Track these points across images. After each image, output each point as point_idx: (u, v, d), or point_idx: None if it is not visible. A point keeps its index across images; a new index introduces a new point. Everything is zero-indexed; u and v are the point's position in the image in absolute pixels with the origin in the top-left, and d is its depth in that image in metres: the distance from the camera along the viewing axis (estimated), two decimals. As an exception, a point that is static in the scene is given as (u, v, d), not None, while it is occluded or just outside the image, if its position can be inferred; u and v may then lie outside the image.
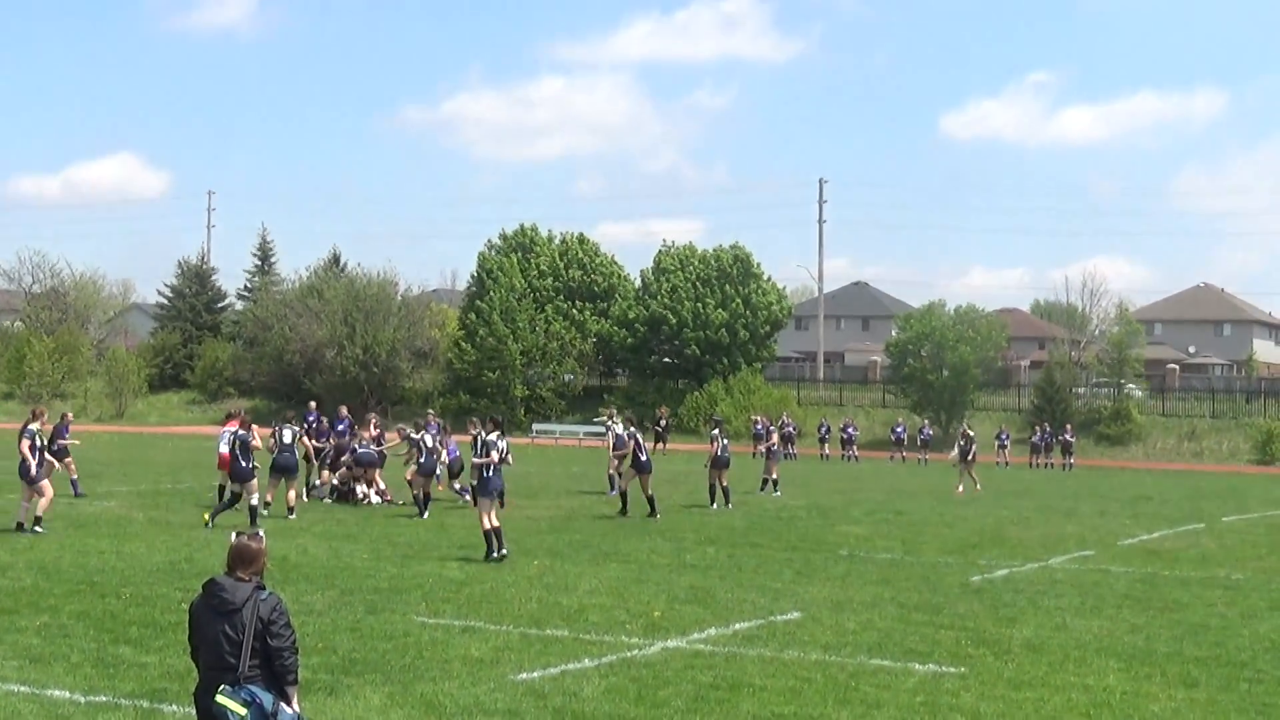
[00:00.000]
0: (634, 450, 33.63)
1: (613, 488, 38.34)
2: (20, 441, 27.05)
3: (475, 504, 25.51)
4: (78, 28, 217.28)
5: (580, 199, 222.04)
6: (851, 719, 13.17)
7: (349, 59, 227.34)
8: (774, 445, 43.93)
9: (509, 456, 25.24)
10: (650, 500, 33.34)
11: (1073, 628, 18.65)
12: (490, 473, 24.52)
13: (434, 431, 34.42)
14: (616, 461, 37.83)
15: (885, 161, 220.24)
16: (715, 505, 35.68)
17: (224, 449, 31.97)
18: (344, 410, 38.12)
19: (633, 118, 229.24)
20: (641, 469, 33.48)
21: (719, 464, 35.97)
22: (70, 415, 36.77)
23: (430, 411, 41.73)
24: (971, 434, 49.87)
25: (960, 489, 46.11)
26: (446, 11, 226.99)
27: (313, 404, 39.68)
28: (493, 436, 24.90)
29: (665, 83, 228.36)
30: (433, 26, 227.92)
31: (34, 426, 27.40)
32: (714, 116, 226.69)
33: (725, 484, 36.22)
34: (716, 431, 36.69)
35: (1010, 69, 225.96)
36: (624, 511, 33.41)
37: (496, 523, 24.08)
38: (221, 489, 32.58)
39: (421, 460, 32.73)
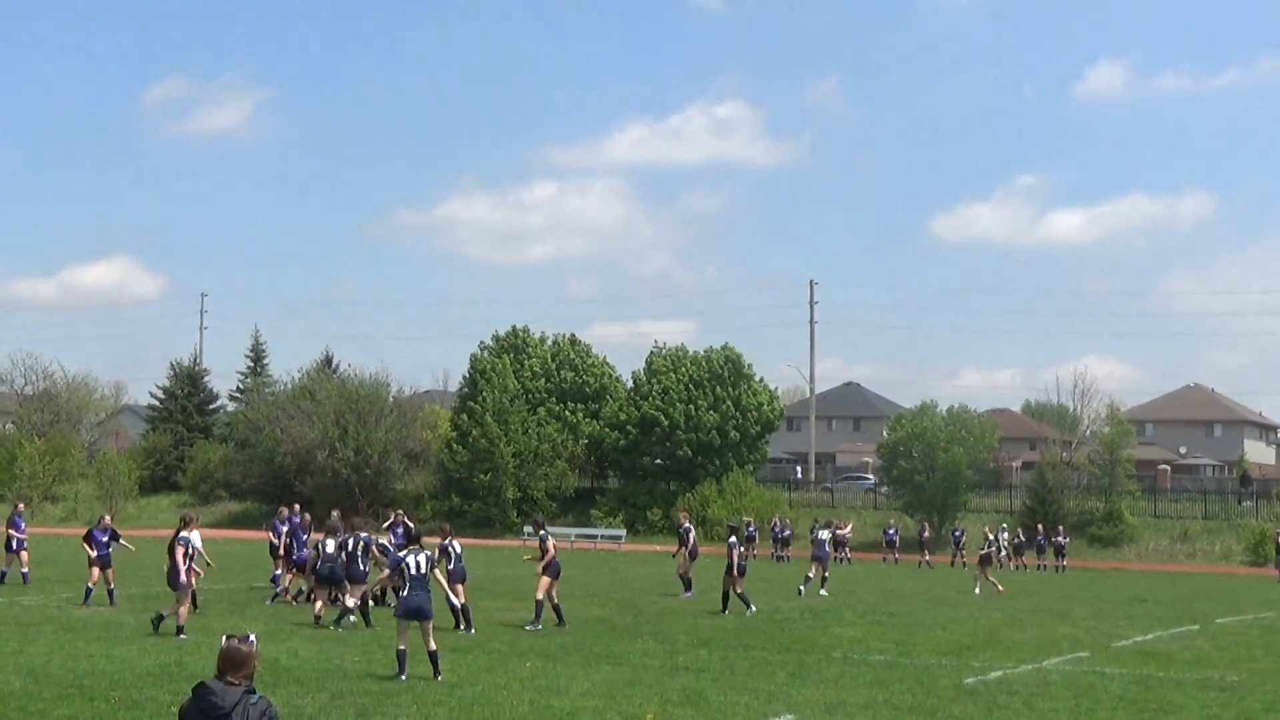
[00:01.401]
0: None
1: (687, 589, 40.38)
2: (174, 548, 27.51)
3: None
4: (76, 131, 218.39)
5: (572, 301, 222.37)
6: (845, 823, 13.09)
7: (343, 163, 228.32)
8: (822, 543, 45.45)
9: (430, 571, 22.40)
10: (742, 597, 35.35)
11: (1067, 730, 18.55)
12: (404, 591, 22.13)
13: (399, 532, 34.53)
14: (690, 562, 40.98)
15: (876, 263, 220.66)
16: (727, 612, 35.02)
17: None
18: (284, 512, 37.98)
19: (625, 221, 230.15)
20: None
21: (738, 572, 35.61)
22: (109, 518, 36.89)
23: (399, 511, 41.63)
24: (992, 537, 50.23)
25: (978, 590, 46.23)
26: (440, 116, 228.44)
27: (297, 506, 39.50)
28: (402, 553, 22.84)
29: (658, 186, 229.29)
30: (427, 131, 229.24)
31: (185, 534, 27.95)
32: (706, 219, 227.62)
33: (740, 590, 35.52)
34: (734, 540, 36.27)
35: (1000, 172, 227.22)
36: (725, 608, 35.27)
37: (429, 645, 21.71)
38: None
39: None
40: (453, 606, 29.00)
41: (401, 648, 21.64)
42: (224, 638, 9.08)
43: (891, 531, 76.21)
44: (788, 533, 74.94)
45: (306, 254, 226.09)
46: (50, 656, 23.41)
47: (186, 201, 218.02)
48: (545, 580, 30.78)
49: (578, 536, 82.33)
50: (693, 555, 41.41)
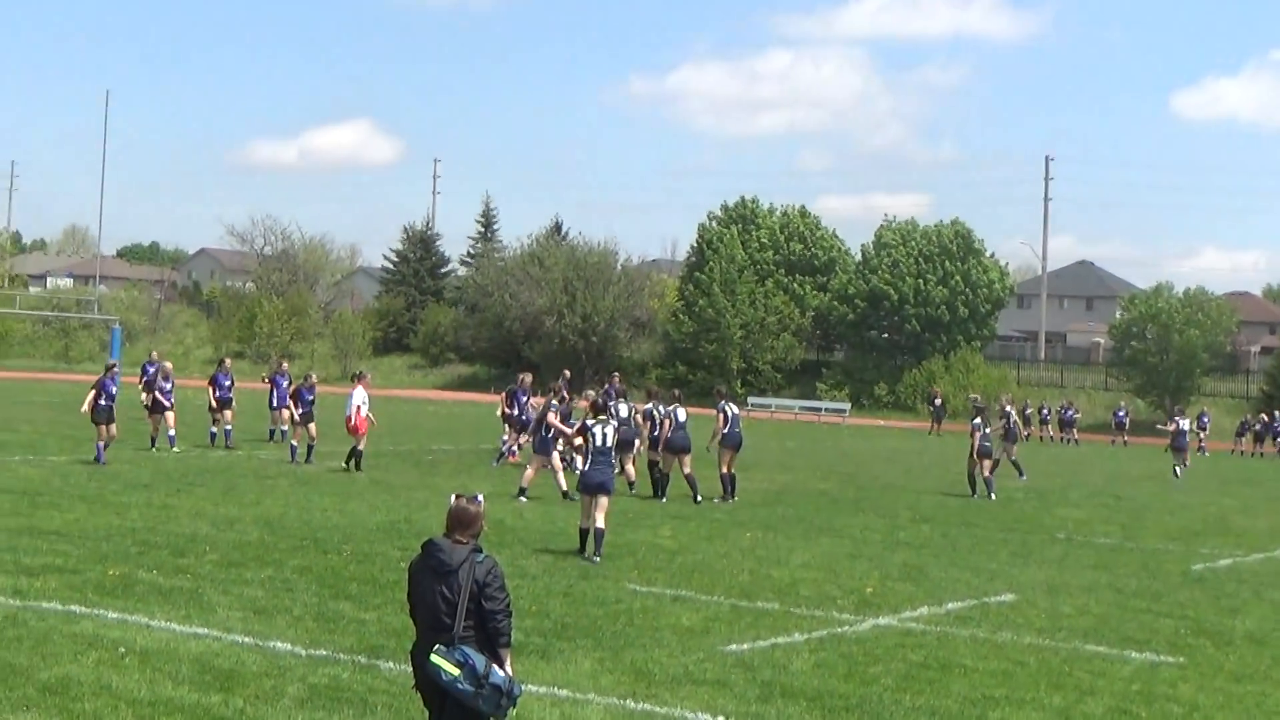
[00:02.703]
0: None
1: (1020, 473, 39.63)
2: (545, 415, 28.49)
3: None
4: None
5: (803, 173, 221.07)
6: (1064, 704, 12.99)
7: (577, 30, 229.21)
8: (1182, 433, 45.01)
9: (606, 439, 21.24)
10: (987, 482, 33.79)
11: (1298, 621, 18.16)
12: (588, 465, 21.12)
13: (612, 395, 33.49)
14: (1011, 446, 40.10)
15: (1115, 140, 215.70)
16: (976, 495, 33.46)
17: (352, 413, 31.82)
18: (527, 379, 38.08)
19: (860, 93, 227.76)
20: (982, 454, 33.78)
21: (982, 454, 33.86)
22: (315, 376, 37.04)
23: (614, 375, 41.39)
24: None
25: None
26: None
27: (566, 373, 39.47)
28: (588, 420, 22.00)
29: (895, 58, 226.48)
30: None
31: (556, 402, 28.84)
32: (943, 93, 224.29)
33: (988, 475, 33.88)
34: (978, 420, 34.36)
35: (1251, 46, 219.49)
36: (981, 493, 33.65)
37: (596, 523, 20.25)
38: (354, 453, 31.93)
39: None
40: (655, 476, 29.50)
41: (585, 525, 20.41)
42: (453, 497, 9.21)
43: (1121, 413, 74.70)
44: (1028, 410, 74.00)
45: (538, 121, 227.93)
46: (286, 509, 24.12)
47: (425, 67, 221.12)
48: (726, 453, 29.97)
49: (802, 409, 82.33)
50: (1012, 439, 40.26)
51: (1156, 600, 19.25)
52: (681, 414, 29.58)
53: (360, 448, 31.98)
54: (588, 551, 20.11)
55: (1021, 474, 39.63)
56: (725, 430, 29.90)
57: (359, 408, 31.85)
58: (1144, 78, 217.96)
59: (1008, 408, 42.55)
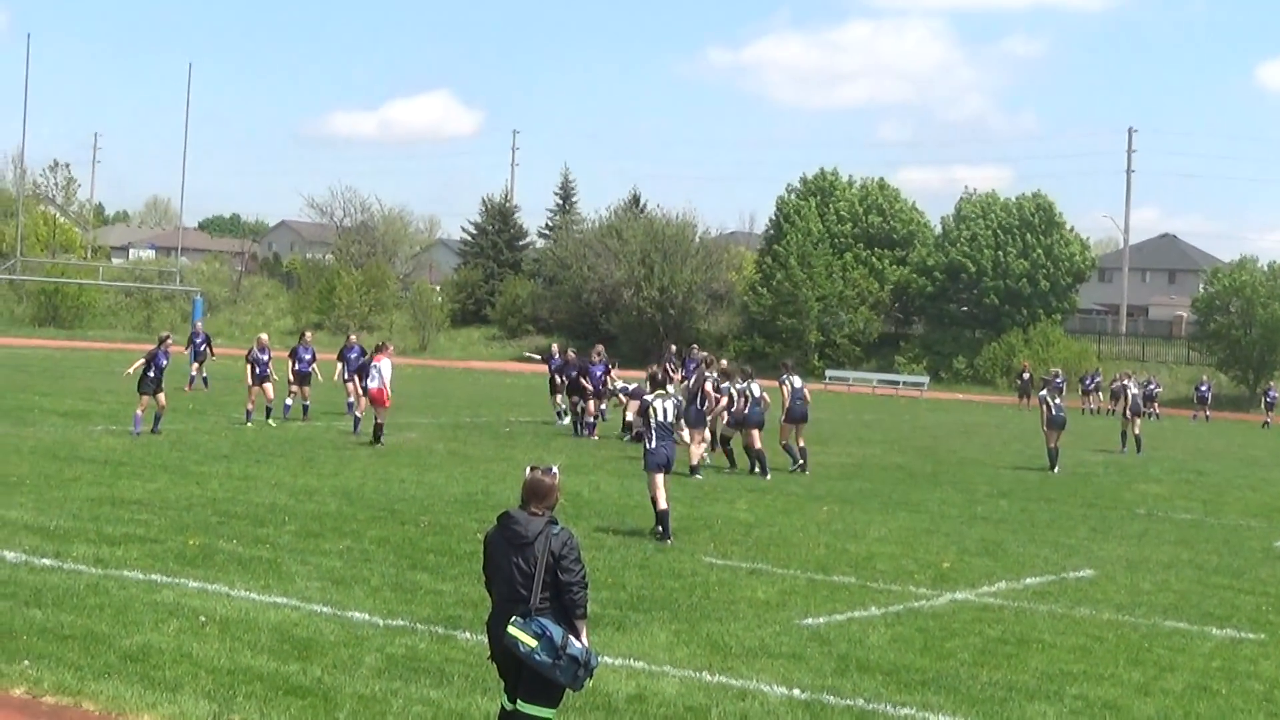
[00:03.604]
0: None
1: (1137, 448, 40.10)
2: (704, 384, 28.73)
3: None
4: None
5: (882, 145, 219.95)
6: (1143, 680, 12.89)
7: (656, 1, 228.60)
8: None
9: (678, 420, 20.94)
10: (1054, 452, 33.83)
11: (1382, 599, 17.94)
12: (652, 442, 20.25)
13: (690, 368, 33.52)
14: (1133, 420, 40.57)
15: (1199, 112, 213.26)
16: (1055, 469, 33.30)
17: (374, 385, 31.42)
18: (600, 351, 38.14)
19: (941, 64, 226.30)
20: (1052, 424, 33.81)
21: (1054, 425, 33.82)
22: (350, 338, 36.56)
23: (694, 345, 41.23)
24: None
25: None
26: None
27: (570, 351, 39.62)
28: (647, 395, 21.60)
29: (977, 30, 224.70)
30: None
31: (710, 373, 29.21)
32: (1025, 64, 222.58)
33: (1054, 445, 33.84)
34: (1044, 392, 34.57)
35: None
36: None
37: (664, 504, 19.67)
38: (379, 427, 31.11)
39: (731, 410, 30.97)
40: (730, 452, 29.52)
41: (663, 507, 19.57)
42: (528, 469, 9.23)
43: (1204, 388, 73.78)
44: (1153, 387, 72.99)
45: (616, 92, 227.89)
46: (364, 481, 24.25)
47: (504, 39, 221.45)
48: (785, 425, 30.10)
49: (880, 382, 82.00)
50: (1135, 412, 40.20)
51: (1238, 577, 19.09)
52: (756, 389, 29.46)
53: (383, 420, 31.29)
54: (666, 534, 19.41)
55: (1123, 449, 39.77)
56: (787, 404, 30.02)
57: (387, 379, 31.58)
58: (1229, 49, 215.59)
59: (1126, 383, 42.28)
